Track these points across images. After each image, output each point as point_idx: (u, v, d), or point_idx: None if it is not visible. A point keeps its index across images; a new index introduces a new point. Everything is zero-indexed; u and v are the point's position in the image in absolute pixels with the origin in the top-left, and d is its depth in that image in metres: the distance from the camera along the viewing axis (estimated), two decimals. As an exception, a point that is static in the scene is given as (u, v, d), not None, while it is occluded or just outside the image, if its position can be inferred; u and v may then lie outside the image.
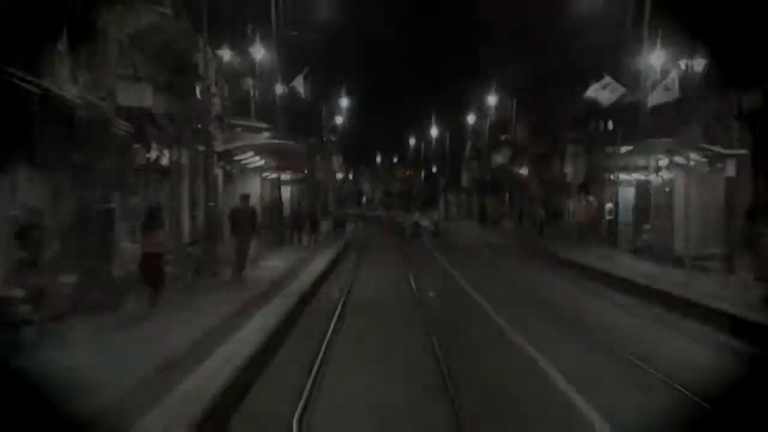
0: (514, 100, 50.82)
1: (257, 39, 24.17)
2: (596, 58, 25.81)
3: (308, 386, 8.07)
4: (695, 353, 10.46)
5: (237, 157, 19.09)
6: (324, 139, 50.44)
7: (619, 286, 16.53)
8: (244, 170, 21.14)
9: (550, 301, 15.33)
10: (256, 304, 12.19)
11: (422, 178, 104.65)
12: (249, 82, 24.33)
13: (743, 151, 18.36)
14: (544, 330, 11.87)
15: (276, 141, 21.69)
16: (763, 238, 15.30)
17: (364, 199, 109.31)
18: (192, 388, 6.93)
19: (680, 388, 7.98)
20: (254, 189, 21.40)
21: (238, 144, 18.80)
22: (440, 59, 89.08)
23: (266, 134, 22.73)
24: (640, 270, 18.03)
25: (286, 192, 28.93)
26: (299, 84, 25.78)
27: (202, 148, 16.65)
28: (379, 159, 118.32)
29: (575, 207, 32.02)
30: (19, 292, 8.37)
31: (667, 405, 7.50)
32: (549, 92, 35.00)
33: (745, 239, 16.25)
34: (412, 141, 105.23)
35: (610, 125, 27.94)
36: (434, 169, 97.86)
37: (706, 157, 18.28)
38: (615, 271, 18.15)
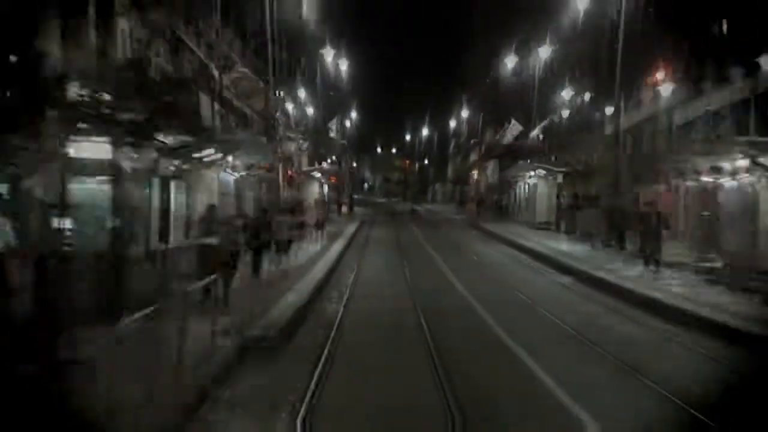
0: (482, 115, 68.77)
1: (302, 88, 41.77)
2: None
3: (359, 260, 25.86)
4: (505, 253, 28.34)
5: (312, 173, 37.44)
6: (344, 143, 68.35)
7: (499, 238, 34.21)
8: (312, 179, 39.41)
9: (457, 242, 32.95)
10: (335, 239, 29.95)
11: (416, 169, 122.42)
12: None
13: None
14: (446, 251, 29.30)
15: (327, 167, 40.04)
16: (571, 211, 33.17)
17: (366, 185, 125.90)
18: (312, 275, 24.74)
19: (494, 265, 25.93)
20: (314, 189, 39.53)
21: (315, 167, 37.05)
22: (432, 68, 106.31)
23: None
24: (514, 230, 35.87)
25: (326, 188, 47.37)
26: (332, 125, 43.80)
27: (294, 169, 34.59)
28: (379, 149, 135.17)
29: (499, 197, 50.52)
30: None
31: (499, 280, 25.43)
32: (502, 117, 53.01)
33: (562, 212, 34.30)
34: (408, 136, 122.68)
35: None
36: (426, 161, 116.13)
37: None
38: (498, 231, 36.01)
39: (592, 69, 33.51)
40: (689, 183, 22.05)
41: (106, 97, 10.14)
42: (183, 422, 7.16)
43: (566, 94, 38.66)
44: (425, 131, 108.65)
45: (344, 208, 50.81)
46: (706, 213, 20.85)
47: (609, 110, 29.70)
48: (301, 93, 40.92)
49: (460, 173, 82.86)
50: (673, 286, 16.36)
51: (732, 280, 15.86)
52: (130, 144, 11.32)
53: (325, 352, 10.57)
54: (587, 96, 36.33)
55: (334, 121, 43.37)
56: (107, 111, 10.27)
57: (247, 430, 7.55)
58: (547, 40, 40.30)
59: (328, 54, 42.27)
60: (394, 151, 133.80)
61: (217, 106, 21.07)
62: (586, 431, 7.54)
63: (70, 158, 10.45)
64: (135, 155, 11.78)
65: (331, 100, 46.00)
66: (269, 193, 27.01)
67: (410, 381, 9.28)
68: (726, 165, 18.22)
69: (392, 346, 11.48)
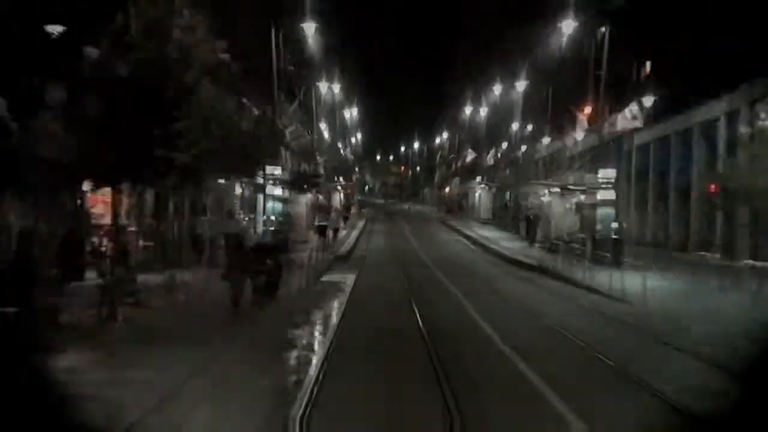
0: (458, 135, 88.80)
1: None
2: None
3: (369, 236, 45.79)
4: (454, 239, 48.38)
5: (337, 187, 57.51)
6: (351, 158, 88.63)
7: (451, 227, 53.95)
8: (335, 190, 59.28)
9: (426, 228, 52.97)
10: (355, 226, 49.81)
11: (410, 175, 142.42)
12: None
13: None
14: (418, 233, 49.23)
15: (344, 182, 60.03)
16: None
17: (367, 188, 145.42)
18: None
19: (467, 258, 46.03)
20: (337, 197, 59.45)
21: (338, 182, 56.98)
22: (423, 94, 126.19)
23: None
24: (464, 223, 55.75)
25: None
26: (347, 147, 63.58)
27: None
28: (378, 157, 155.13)
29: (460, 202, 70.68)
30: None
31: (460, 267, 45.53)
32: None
33: (495, 212, 54.39)
34: (402, 148, 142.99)
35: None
36: (418, 169, 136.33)
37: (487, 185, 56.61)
38: (453, 223, 55.90)
39: (532, 111, 51.52)
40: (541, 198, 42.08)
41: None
42: (319, 276, 26.67)
43: (514, 126, 58.18)
44: (416, 144, 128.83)
45: (353, 209, 70.46)
46: (535, 214, 40.56)
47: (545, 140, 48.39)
48: (322, 124, 60.47)
49: (443, 180, 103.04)
50: (526, 251, 35.75)
51: (545, 246, 35.27)
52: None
53: (364, 260, 30.55)
54: (529, 128, 55.41)
55: (349, 148, 63.22)
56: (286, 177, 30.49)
57: (342, 275, 27.24)
58: (499, 86, 58.98)
59: (338, 84, 60.46)
60: (391, 158, 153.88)
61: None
62: (459, 296, 27.19)
63: (272, 195, 30.57)
64: (281, 188, 31.93)
65: (341, 122, 65.92)
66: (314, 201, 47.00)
67: (393, 271, 28.87)
68: (545, 190, 38.25)
69: (386, 259, 31.51)
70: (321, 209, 41.11)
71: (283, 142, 38.41)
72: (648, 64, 35.63)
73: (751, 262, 20.25)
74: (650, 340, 13.77)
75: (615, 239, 27.67)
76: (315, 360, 11.35)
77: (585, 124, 36.71)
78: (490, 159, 61.51)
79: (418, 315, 15.93)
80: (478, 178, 60.73)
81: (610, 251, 26.98)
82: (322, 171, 53.41)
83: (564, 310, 18.08)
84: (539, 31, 43.00)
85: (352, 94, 74.37)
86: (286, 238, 26.44)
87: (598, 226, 30.48)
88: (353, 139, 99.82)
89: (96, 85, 15.15)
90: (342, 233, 41.55)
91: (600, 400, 9.26)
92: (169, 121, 15.47)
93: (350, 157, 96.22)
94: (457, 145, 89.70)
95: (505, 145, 57.96)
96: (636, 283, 18.55)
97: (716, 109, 28.01)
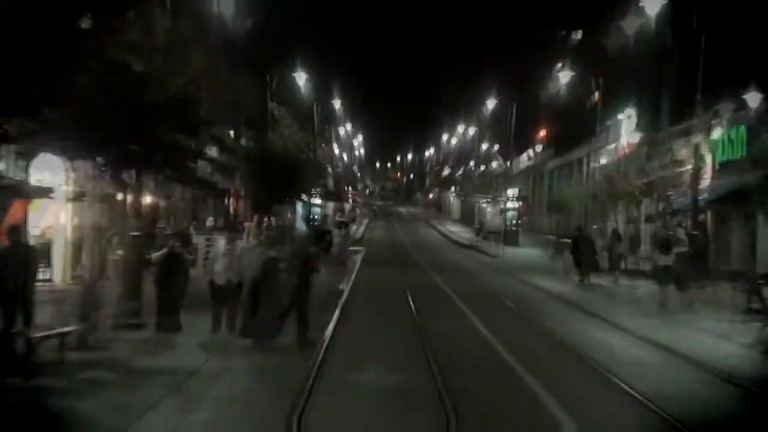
0: (440, 152, 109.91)
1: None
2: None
3: (372, 228, 66.88)
4: (435, 236, 69.44)
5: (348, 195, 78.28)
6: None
7: (429, 223, 74.74)
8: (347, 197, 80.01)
9: (412, 224, 74.02)
10: (361, 222, 70.84)
11: (405, 181, 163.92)
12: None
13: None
14: (405, 227, 70.28)
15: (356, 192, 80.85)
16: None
17: (368, 191, 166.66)
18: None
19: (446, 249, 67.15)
20: (350, 202, 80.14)
21: (350, 191, 77.71)
22: (415, 114, 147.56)
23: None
24: (440, 221, 76.64)
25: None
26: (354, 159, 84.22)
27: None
28: (378, 165, 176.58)
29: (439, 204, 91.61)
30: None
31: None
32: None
33: (463, 214, 75.39)
34: (399, 158, 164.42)
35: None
36: (411, 176, 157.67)
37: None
38: (431, 221, 76.75)
39: (498, 135, 71.60)
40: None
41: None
42: (349, 247, 47.45)
43: (483, 146, 79.10)
44: (410, 156, 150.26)
45: (359, 210, 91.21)
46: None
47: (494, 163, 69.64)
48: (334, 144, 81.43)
49: (430, 187, 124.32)
50: (473, 239, 56.53)
51: (483, 236, 56.16)
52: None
53: (370, 241, 51.49)
54: (495, 148, 76.08)
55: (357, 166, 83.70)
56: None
57: (359, 247, 47.99)
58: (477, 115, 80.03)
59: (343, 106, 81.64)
60: (389, 165, 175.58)
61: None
62: (419, 259, 48.00)
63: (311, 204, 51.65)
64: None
65: (348, 139, 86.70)
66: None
67: (385, 247, 49.85)
68: (485, 199, 59.29)
69: (382, 242, 52.52)
70: (341, 211, 61.89)
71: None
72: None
73: (554, 237, 40.96)
74: (494, 268, 34.55)
75: (513, 230, 48.65)
76: (358, 263, 32.28)
77: (537, 147, 57.48)
78: (459, 174, 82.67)
79: (397, 260, 36.98)
80: (452, 188, 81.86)
81: (511, 237, 47.86)
82: (331, 181, 74.08)
83: (468, 261, 39.00)
84: (506, 75, 63.19)
85: (357, 114, 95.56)
86: (327, 228, 47.10)
87: (509, 222, 51.42)
88: (356, 152, 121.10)
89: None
90: (353, 228, 62.37)
91: (462, 283, 30.08)
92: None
93: (355, 168, 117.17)
94: (441, 160, 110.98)
95: (472, 163, 78.74)
96: (515, 251, 39.48)
97: (578, 152, 48.77)
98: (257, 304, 12.06)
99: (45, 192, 17.26)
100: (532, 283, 25.88)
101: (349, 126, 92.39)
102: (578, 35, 53.94)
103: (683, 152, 28.67)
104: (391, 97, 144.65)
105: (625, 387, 9.96)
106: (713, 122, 26.92)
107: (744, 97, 25.66)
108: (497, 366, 11.47)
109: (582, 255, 25.93)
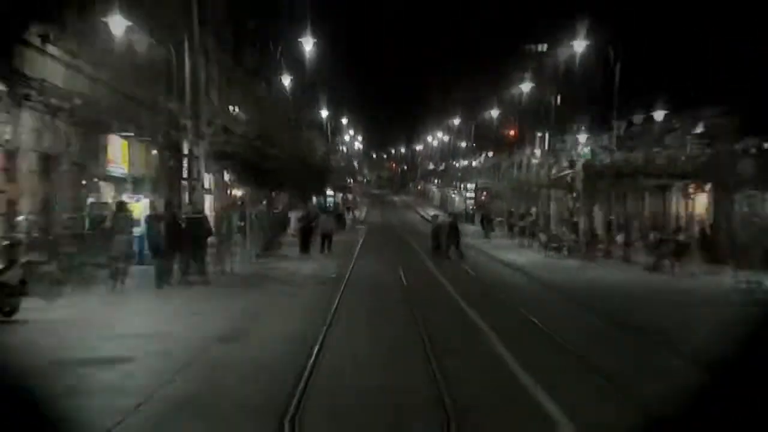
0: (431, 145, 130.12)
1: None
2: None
3: (370, 211, 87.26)
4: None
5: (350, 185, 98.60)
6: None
7: (415, 210, 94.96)
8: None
9: (402, 210, 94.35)
10: (362, 209, 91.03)
11: (399, 171, 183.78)
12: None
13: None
14: (395, 212, 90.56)
15: (356, 183, 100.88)
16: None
17: (365, 180, 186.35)
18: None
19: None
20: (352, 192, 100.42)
21: (350, 183, 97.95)
22: (408, 113, 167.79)
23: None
24: (423, 207, 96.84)
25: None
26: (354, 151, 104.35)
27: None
28: (374, 155, 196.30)
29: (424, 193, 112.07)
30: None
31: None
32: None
33: (442, 201, 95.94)
34: (393, 150, 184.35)
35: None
36: (405, 167, 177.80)
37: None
38: (416, 207, 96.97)
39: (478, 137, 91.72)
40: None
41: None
42: (355, 225, 67.51)
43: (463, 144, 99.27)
44: (403, 149, 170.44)
45: (359, 199, 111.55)
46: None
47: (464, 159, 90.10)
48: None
49: (420, 178, 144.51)
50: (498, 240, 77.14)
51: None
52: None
53: (369, 223, 71.84)
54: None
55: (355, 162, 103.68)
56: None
57: (362, 226, 67.88)
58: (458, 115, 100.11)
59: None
60: (385, 156, 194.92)
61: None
62: (401, 232, 68.13)
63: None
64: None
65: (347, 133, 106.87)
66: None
67: (380, 226, 70.08)
68: (454, 190, 79.68)
69: (378, 223, 72.93)
70: (346, 200, 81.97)
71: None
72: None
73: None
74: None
75: (470, 212, 69.04)
76: (363, 233, 52.70)
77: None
78: (441, 168, 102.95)
79: (387, 231, 57.44)
80: (435, 180, 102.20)
81: (469, 218, 68.17)
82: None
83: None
84: (484, 79, 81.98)
85: (354, 110, 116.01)
86: (341, 212, 67.17)
87: (470, 208, 71.80)
88: (355, 144, 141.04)
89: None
90: (356, 213, 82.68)
91: (421, 240, 50.51)
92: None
93: (355, 164, 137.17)
94: (427, 155, 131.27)
95: (451, 160, 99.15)
96: (467, 227, 60.02)
97: (519, 154, 68.76)
98: (308, 239, 32.52)
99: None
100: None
101: (345, 120, 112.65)
102: (544, 48, 71.66)
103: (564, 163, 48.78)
104: (386, 93, 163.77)
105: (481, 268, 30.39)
106: (557, 146, 47.16)
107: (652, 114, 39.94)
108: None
109: (483, 225, 46.33)
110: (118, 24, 21.08)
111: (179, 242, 18.67)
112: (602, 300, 18.65)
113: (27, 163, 19.01)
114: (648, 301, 18.91)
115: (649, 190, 34.97)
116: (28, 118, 18.69)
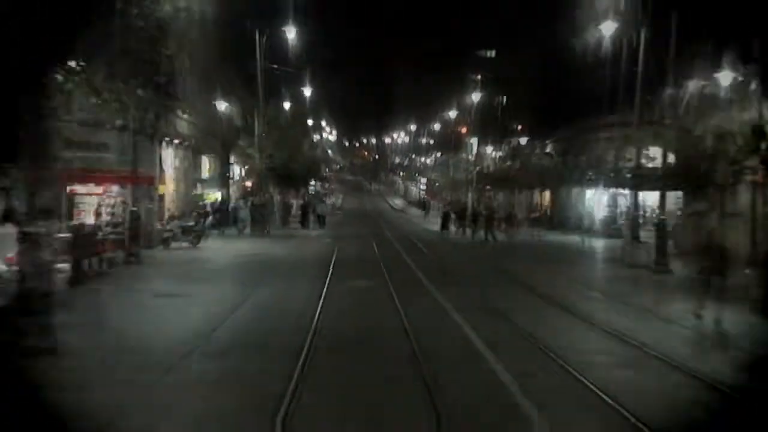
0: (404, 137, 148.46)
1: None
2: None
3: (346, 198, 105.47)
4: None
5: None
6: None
7: (385, 199, 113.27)
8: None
9: (373, 200, 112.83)
10: (338, 197, 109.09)
11: (372, 159, 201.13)
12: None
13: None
14: (370, 201, 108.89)
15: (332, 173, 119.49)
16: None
17: (338, 167, 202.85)
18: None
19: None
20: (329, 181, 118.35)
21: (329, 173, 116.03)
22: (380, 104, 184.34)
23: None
24: (396, 199, 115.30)
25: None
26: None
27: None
28: (347, 143, 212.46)
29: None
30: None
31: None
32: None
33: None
34: (364, 140, 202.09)
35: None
36: (377, 157, 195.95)
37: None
38: (387, 198, 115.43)
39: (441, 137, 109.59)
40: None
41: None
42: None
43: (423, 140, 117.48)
44: (374, 140, 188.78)
45: (333, 187, 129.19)
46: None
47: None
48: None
49: (390, 169, 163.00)
50: (407, 208, 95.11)
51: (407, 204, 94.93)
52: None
53: (346, 209, 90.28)
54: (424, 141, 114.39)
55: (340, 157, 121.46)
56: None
57: (340, 212, 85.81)
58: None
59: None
60: (357, 144, 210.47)
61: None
62: (374, 216, 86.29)
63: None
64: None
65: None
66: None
67: (356, 212, 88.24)
68: (414, 182, 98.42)
69: (354, 209, 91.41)
70: (323, 187, 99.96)
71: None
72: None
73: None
74: (399, 216, 73.46)
75: (423, 201, 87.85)
76: (342, 217, 71.20)
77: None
78: (405, 163, 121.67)
79: (361, 214, 76.24)
80: (400, 173, 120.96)
81: (421, 205, 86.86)
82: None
83: (392, 214, 78.38)
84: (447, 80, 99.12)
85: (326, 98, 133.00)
86: (321, 199, 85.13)
87: (423, 197, 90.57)
88: (327, 133, 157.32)
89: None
90: (333, 199, 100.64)
91: (385, 220, 69.05)
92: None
93: (330, 152, 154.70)
94: (394, 149, 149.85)
95: (413, 155, 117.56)
96: (419, 211, 78.74)
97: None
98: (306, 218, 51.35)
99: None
100: (406, 218, 65.46)
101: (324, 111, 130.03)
102: (492, 54, 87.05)
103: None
104: (356, 84, 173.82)
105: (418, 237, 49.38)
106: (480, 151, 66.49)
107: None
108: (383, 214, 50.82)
109: (424, 208, 65.49)
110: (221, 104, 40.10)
111: (261, 216, 38.06)
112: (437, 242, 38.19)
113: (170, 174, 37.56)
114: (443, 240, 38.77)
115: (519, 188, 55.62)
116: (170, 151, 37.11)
